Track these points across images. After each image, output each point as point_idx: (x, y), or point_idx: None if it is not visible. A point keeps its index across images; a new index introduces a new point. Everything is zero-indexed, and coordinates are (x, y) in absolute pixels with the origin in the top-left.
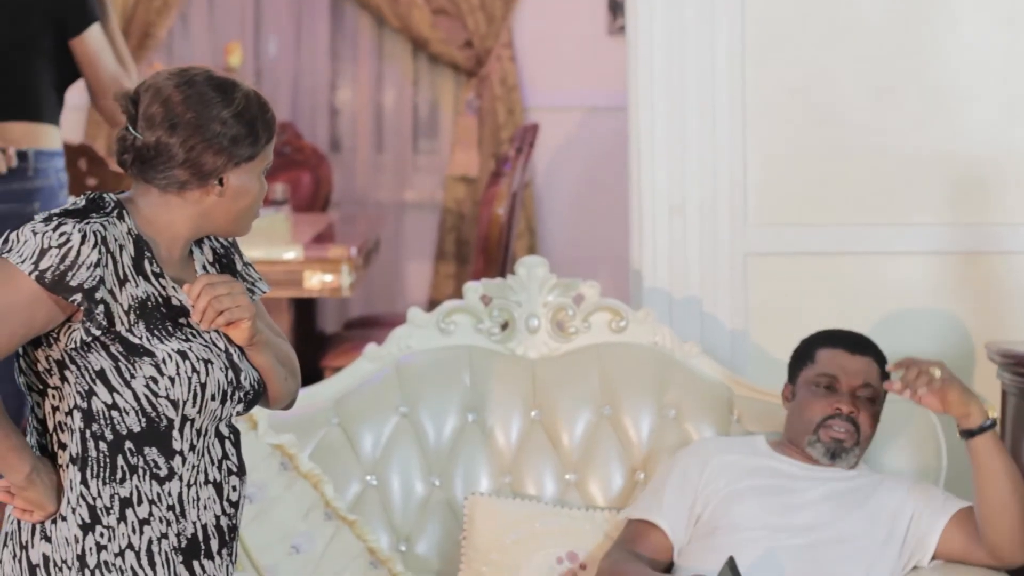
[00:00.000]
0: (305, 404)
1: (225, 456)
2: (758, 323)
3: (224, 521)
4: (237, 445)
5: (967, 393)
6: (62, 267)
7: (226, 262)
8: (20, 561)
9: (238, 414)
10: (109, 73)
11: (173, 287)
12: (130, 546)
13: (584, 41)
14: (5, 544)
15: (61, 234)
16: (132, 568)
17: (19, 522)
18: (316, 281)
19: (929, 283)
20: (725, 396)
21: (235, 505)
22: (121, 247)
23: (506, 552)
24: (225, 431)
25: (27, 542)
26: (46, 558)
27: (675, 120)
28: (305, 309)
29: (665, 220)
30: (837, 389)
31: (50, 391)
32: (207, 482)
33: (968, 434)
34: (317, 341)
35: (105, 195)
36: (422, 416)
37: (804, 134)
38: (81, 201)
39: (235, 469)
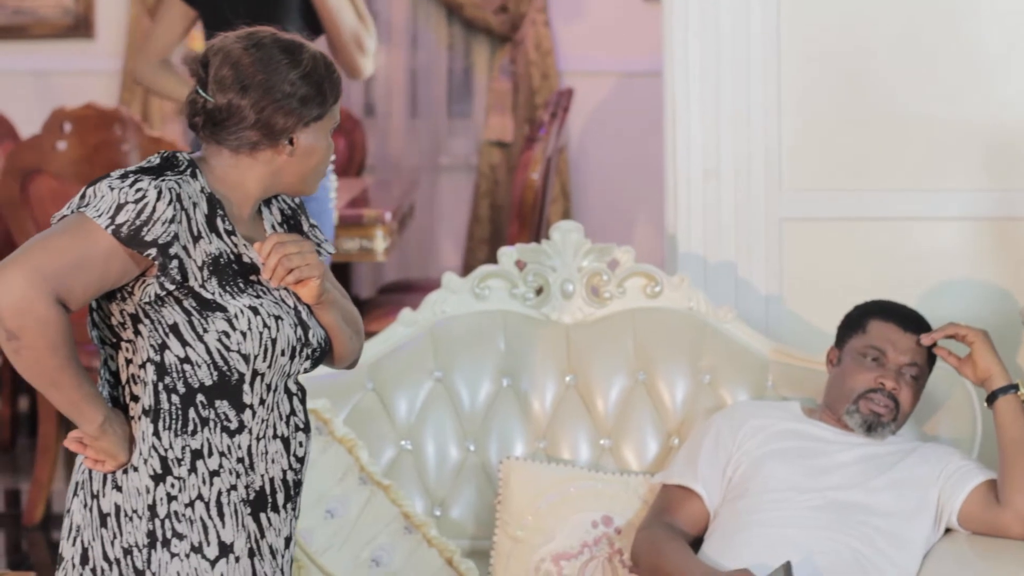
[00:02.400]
0: (340, 369)
1: (293, 412)
2: (793, 288)
3: (290, 476)
4: (304, 402)
5: (993, 357)
6: (138, 222)
7: (293, 223)
8: (91, 510)
9: (305, 371)
10: (349, 29)
11: (244, 244)
12: (200, 497)
13: (619, 6)
14: (75, 493)
15: (137, 190)
16: (201, 518)
17: (90, 472)
18: (351, 246)
19: (966, 249)
20: (760, 361)
21: (301, 461)
22: (195, 204)
23: (541, 516)
24: (293, 388)
25: (98, 491)
26: (117, 507)
27: (710, 84)
28: (340, 274)
29: (700, 185)
30: (884, 363)
31: (123, 344)
32: (275, 436)
33: (991, 397)
34: None
35: (178, 154)
36: (457, 381)
37: (839, 99)
38: (155, 159)
39: (301, 425)
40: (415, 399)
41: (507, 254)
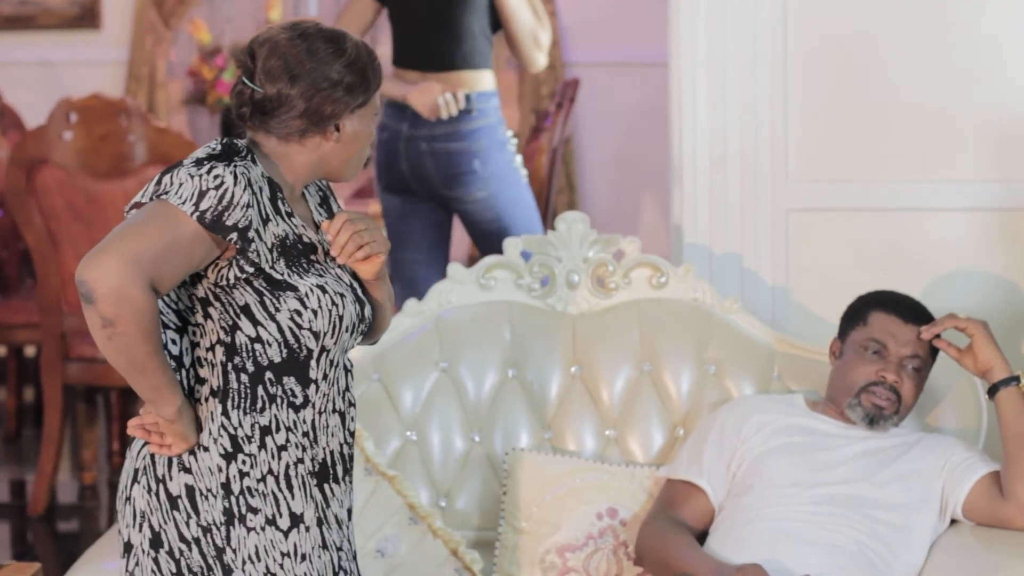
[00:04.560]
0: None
1: (347, 388)
2: (799, 279)
3: (346, 449)
4: (353, 377)
5: (993, 349)
6: (219, 207)
7: (328, 204)
8: (157, 494)
9: (355, 346)
10: (526, 25)
11: (302, 225)
12: (270, 471)
13: None
14: (136, 480)
15: (215, 176)
16: (273, 492)
17: (153, 457)
18: None
19: (973, 240)
20: (766, 352)
21: (352, 435)
22: (260, 189)
23: (546, 508)
24: (348, 364)
25: (164, 475)
26: (189, 488)
27: (716, 74)
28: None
29: (706, 175)
30: (885, 356)
31: (190, 328)
32: (334, 411)
33: (993, 390)
34: None
35: (235, 141)
36: (462, 372)
37: (846, 89)
38: (217, 146)
39: (353, 401)
40: (420, 390)
41: (513, 245)
